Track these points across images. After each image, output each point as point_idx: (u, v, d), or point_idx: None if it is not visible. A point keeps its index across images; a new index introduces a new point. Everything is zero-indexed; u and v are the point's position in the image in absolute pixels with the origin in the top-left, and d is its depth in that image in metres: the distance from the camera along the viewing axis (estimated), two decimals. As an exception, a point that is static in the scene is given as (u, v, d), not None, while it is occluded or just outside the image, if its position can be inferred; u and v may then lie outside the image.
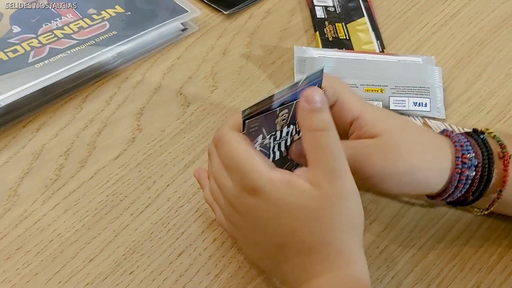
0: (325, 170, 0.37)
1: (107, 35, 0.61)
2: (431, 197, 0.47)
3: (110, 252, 0.47)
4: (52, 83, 0.56)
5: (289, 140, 0.44)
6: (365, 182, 0.44)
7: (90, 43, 0.60)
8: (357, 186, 0.39)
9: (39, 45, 0.59)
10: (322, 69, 0.40)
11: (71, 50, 0.59)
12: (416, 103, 0.59)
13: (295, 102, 0.40)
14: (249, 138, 0.40)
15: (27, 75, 0.56)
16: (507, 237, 0.50)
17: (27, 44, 0.59)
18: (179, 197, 0.51)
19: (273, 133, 0.42)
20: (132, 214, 0.49)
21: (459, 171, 0.43)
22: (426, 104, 0.59)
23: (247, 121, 0.39)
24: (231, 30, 0.66)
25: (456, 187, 0.44)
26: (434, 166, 0.44)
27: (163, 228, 0.49)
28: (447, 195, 0.45)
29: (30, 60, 0.57)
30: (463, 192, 0.45)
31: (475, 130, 0.46)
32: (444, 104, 0.60)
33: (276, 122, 0.41)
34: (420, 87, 0.59)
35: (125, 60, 0.61)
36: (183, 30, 0.65)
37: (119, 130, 0.55)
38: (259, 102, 0.39)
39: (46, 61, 0.57)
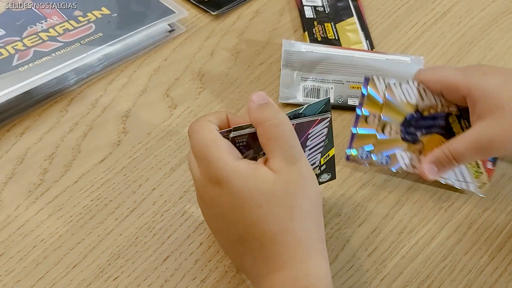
0: (284, 157, 0.38)
1: (93, 37, 0.60)
2: None
3: (94, 257, 0.46)
4: (37, 86, 0.55)
5: None
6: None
7: (76, 45, 0.59)
8: None
9: (24, 48, 0.58)
10: (328, 100, 0.42)
11: (56, 53, 0.58)
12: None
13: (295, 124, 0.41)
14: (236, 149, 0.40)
15: (11, 78, 0.55)
16: (497, 238, 0.49)
17: (12, 47, 0.58)
18: (165, 201, 0.50)
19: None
20: (117, 219, 0.48)
21: None
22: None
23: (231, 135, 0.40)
24: (219, 30, 0.66)
25: None
26: None
27: (149, 232, 0.48)
28: None
29: (15, 63, 0.56)
30: None
31: None
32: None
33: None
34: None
35: (111, 62, 0.60)
36: (170, 31, 0.64)
37: (104, 133, 0.55)
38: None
39: (30, 64, 0.56)
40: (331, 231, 0.49)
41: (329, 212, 0.50)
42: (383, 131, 0.51)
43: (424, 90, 0.51)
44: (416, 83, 0.51)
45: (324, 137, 0.44)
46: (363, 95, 0.51)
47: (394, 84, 0.51)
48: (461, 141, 0.48)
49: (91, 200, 0.50)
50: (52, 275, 0.45)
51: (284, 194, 0.37)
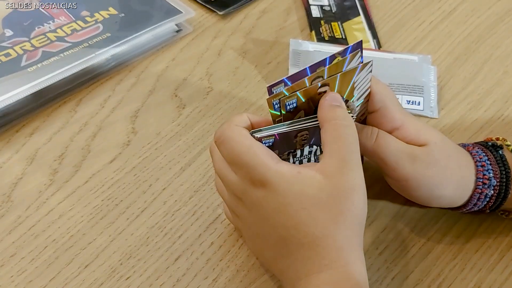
0: (340, 161, 0.37)
1: (100, 37, 0.60)
2: (458, 209, 0.48)
3: (106, 257, 0.46)
4: (45, 87, 0.55)
5: (312, 159, 0.44)
6: (398, 184, 0.45)
7: (84, 46, 0.59)
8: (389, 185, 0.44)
9: (32, 48, 0.58)
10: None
11: (64, 53, 0.58)
12: (410, 101, 0.58)
13: (316, 124, 0.40)
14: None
15: (20, 79, 0.55)
16: (507, 236, 0.49)
17: (20, 47, 0.58)
18: (176, 200, 0.50)
19: (292, 150, 0.42)
20: (128, 219, 0.49)
21: (480, 191, 0.45)
22: (419, 102, 0.58)
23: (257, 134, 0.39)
24: (226, 30, 0.66)
25: (475, 204, 0.46)
26: (461, 183, 0.45)
27: (160, 232, 0.48)
28: (464, 209, 0.47)
29: (23, 63, 0.56)
30: (480, 207, 0.47)
31: (493, 145, 0.47)
32: (441, 102, 0.59)
33: (294, 142, 0.41)
34: (414, 85, 0.59)
35: (119, 62, 0.61)
36: (177, 31, 0.65)
37: (114, 134, 0.55)
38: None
39: (39, 65, 0.56)
40: (342, 230, 0.49)
41: (339, 211, 0.50)
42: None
43: None
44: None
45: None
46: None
47: None
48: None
49: (102, 200, 0.50)
50: (64, 275, 0.45)
51: (331, 200, 0.37)
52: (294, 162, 0.43)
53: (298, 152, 0.42)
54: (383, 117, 0.44)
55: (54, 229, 0.47)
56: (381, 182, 0.52)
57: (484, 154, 0.46)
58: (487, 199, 0.46)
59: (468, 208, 0.46)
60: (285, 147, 0.40)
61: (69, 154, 0.53)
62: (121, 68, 0.60)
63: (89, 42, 0.59)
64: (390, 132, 0.44)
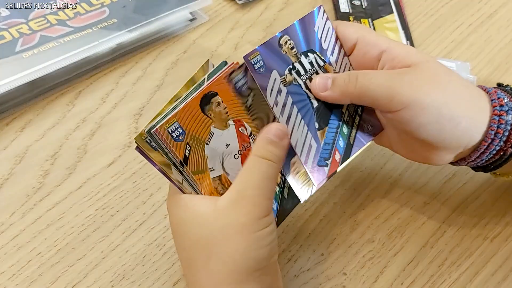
0: (234, 193, 0.33)
1: (106, 23, 0.55)
2: (461, 160, 0.41)
3: (96, 277, 0.41)
4: (41, 76, 0.49)
5: (320, 71, 0.39)
6: (399, 118, 0.37)
7: (87, 32, 0.53)
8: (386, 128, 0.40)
9: (29, 31, 0.52)
10: (224, 62, 0.37)
11: (65, 39, 0.52)
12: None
13: (295, 24, 0.37)
14: (260, 77, 0.36)
15: (13, 65, 0.49)
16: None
17: (16, 30, 0.52)
18: (178, 214, 0.45)
19: (290, 66, 0.38)
20: (123, 233, 0.43)
21: (498, 113, 0.38)
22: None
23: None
24: (245, 22, 0.60)
25: (496, 134, 0.38)
26: (474, 102, 0.38)
27: (158, 250, 0.43)
28: (486, 146, 0.38)
29: (18, 48, 0.51)
30: (503, 140, 0.38)
31: (499, 84, 0.42)
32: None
33: (283, 53, 0.37)
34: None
35: (125, 52, 0.55)
36: (191, 20, 0.59)
37: (114, 133, 0.49)
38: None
39: (35, 50, 0.51)
40: (363, 260, 0.43)
41: (361, 237, 0.44)
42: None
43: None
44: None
45: (335, 35, 0.39)
46: None
47: None
48: (375, 77, 0.38)
49: (96, 210, 0.44)
50: (48, 296, 0.40)
51: (207, 241, 0.33)
52: (305, 83, 0.39)
53: (299, 67, 0.38)
54: (366, 45, 0.40)
55: (40, 241, 0.42)
56: (409, 206, 0.46)
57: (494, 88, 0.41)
58: (508, 127, 0.38)
59: (489, 142, 0.38)
60: (280, 60, 0.36)
61: (63, 154, 0.47)
62: (126, 59, 0.55)
63: (93, 28, 0.54)
64: (378, 57, 0.39)
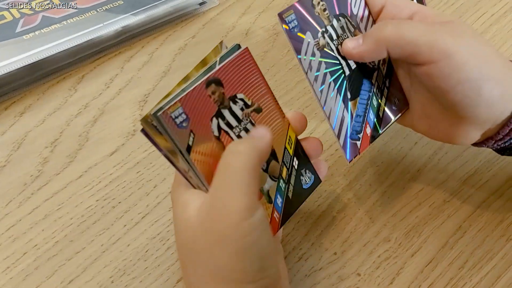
0: (213, 194, 0.29)
1: (112, 5, 0.52)
2: (487, 140, 0.37)
3: (95, 272, 0.39)
4: (43, 58, 0.47)
5: (349, 35, 0.37)
6: (437, 71, 0.34)
7: (91, 13, 0.51)
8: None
9: (31, 12, 0.50)
10: (238, 46, 0.33)
11: (68, 21, 0.50)
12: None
13: None
14: (294, 38, 0.34)
15: (13, 47, 0.47)
16: None
17: (17, 10, 0.50)
18: (183, 207, 0.42)
19: (324, 29, 0.36)
20: (125, 226, 0.41)
21: None
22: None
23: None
24: (257, 7, 0.57)
25: None
26: (506, 70, 0.35)
27: (162, 245, 0.40)
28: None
29: (19, 29, 0.48)
30: None
31: None
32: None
33: (317, 14, 0.35)
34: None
35: (131, 36, 0.53)
36: (201, 3, 0.56)
37: (118, 120, 0.47)
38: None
39: (37, 32, 0.48)
40: (378, 260, 0.41)
41: (376, 236, 0.42)
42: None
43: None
44: None
45: (364, 1, 0.38)
46: None
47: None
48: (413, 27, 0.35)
49: (97, 200, 0.42)
50: (44, 291, 0.38)
51: (194, 245, 0.30)
52: (337, 48, 0.37)
53: (331, 31, 0.36)
54: (395, 7, 0.37)
55: (37, 232, 0.40)
56: (427, 204, 0.44)
57: None
58: None
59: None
60: (313, 20, 0.35)
61: (64, 141, 0.45)
62: (132, 43, 0.52)
63: (98, 10, 0.51)
64: (409, 19, 0.37)
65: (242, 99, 0.33)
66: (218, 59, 0.32)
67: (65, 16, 0.50)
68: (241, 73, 0.33)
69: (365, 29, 0.38)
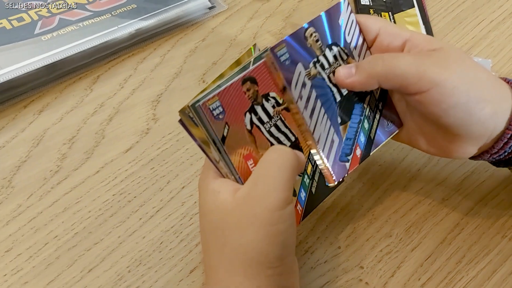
0: (251, 185, 0.33)
1: (125, 8, 0.54)
2: (483, 153, 0.40)
3: (113, 262, 0.41)
4: (60, 59, 0.49)
5: (342, 63, 0.39)
6: (428, 99, 0.36)
7: (106, 16, 0.53)
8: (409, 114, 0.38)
9: (48, 14, 0.52)
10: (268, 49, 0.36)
11: (84, 23, 0.52)
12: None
13: (322, 15, 0.37)
14: (286, 70, 0.35)
15: (32, 47, 0.49)
16: None
17: (35, 12, 0.52)
18: (195, 202, 0.44)
19: (315, 59, 0.37)
20: (140, 219, 0.43)
21: None
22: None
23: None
24: (264, 11, 0.59)
25: None
26: (497, 89, 0.38)
27: (175, 238, 0.42)
28: (510, 134, 0.38)
29: (37, 31, 0.50)
30: None
31: None
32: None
33: (308, 46, 0.37)
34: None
35: (143, 38, 0.54)
36: (210, 8, 0.58)
37: (132, 119, 0.49)
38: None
39: (54, 33, 0.50)
40: (380, 254, 0.43)
41: (378, 231, 0.44)
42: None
43: None
44: None
45: (358, 28, 0.39)
46: None
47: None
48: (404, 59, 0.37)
49: (113, 195, 0.44)
50: (64, 279, 0.40)
51: (225, 227, 0.33)
52: (329, 76, 0.38)
53: (323, 60, 0.38)
54: (388, 36, 0.39)
55: (57, 224, 0.42)
56: (427, 202, 0.46)
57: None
58: None
59: (506, 140, 0.38)
60: (306, 52, 0.36)
61: (81, 138, 0.47)
62: (145, 45, 0.54)
63: (112, 13, 0.53)
64: (401, 47, 0.39)
65: (274, 97, 0.35)
66: (252, 59, 0.35)
67: (81, 19, 0.52)
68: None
69: (359, 55, 0.40)
